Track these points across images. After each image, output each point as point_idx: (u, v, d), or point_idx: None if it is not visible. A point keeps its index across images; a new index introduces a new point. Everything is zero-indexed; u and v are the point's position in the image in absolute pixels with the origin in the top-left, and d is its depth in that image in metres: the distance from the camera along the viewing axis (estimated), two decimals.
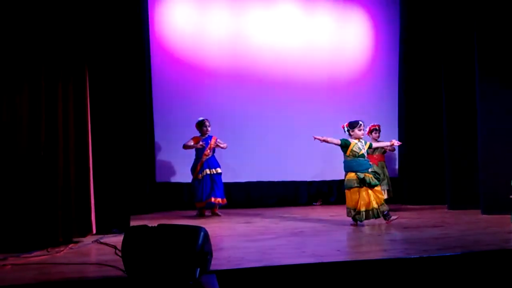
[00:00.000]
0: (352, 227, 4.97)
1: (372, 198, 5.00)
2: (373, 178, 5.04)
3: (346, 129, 5.20)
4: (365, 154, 5.15)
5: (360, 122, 5.17)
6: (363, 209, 4.96)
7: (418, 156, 7.38)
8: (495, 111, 5.89)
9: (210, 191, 6.10)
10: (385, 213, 5.08)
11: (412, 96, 7.56)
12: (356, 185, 5.00)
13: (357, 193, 4.99)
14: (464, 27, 6.47)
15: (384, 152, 6.73)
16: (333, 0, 7.87)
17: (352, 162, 5.07)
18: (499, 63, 5.89)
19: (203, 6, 7.37)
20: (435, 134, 7.21)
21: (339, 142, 5.11)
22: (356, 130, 5.13)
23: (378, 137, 6.51)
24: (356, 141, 5.12)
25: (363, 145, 5.14)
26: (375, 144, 5.64)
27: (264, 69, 7.50)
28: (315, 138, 5.03)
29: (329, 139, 5.07)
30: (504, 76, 5.89)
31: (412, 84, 7.57)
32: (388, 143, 5.67)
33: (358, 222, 5.03)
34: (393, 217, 5.13)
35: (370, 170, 5.13)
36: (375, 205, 5.00)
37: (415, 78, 7.55)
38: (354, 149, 5.07)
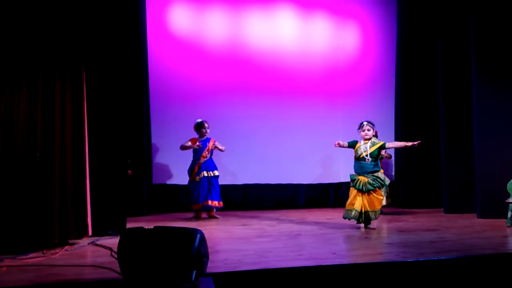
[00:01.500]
0: (349, 230, 4.97)
1: (357, 201, 4.97)
2: (367, 184, 4.97)
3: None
4: (366, 158, 5.04)
5: (363, 123, 5.16)
6: (346, 208, 5.05)
7: (414, 159, 7.39)
8: (492, 114, 5.91)
9: (207, 194, 6.08)
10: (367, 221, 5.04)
11: (408, 99, 7.58)
12: (351, 185, 5.10)
13: (351, 193, 5.08)
14: (461, 29, 6.49)
15: (381, 158, 6.71)
16: (331, 5, 7.90)
17: (354, 164, 5.17)
18: (497, 65, 5.91)
19: (201, 8, 7.39)
20: (431, 138, 7.22)
21: (347, 144, 5.21)
22: (360, 131, 5.19)
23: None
24: (362, 142, 5.13)
25: (366, 148, 5.08)
26: (388, 145, 5.26)
27: (262, 73, 7.53)
28: (335, 145, 5.18)
29: (341, 143, 5.19)
30: (501, 79, 5.91)
31: (408, 87, 7.60)
32: (402, 144, 5.26)
33: (358, 224, 5.08)
34: (371, 227, 5.04)
35: (371, 174, 5.01)
36: (358, 209, 4.96)
37: (412, 81, 7.57)
38: (357, 151, 5.13)
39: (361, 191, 4.98)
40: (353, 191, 5.05)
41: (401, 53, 7.72)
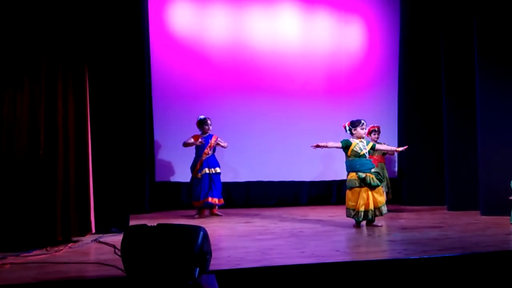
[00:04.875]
0: (353, 227, 4.94)
1: (371, 199, 4.96)
2: (375, 179, 4.97)
3: (347, 128, 5.15)
4: (367, 155, 5.08)
5: (363, 121, 5.12)
6: (361, 209, 4.91)
7: (418, 157, 7.37)
8: (496, 112, 5.89)
9: (207, 191, 6.07)
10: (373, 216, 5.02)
11: (411, 97, 7.56)
12: (357, 185, 4.96)
13: (358, 193, 4.95)
14: (464, 26, 6.47)
15: (384, 153, 6.72)
16: (333, 4, 7.89)
17: (353, 162, 5.04)
18: (500, 63, 5.89)
19: (203, 6, 7.39)
20: (435, 135, 7.21)
21: (340, 144, 5.07)
22: (358, 129, 5.08)
23: (378, 138, 6.49)
24: (358, 141, 5.08)
25: (364, 146, 5.09)
26: (378, 146, 5.51)
27: (265, 71, 7.52)
28: (314, 147, 5.03)
29: (329, 144, 5.05)
30: (505, 77, 5.89)
31: (412, 85, 7.57)
32: (392, 148, 5.67)
33: (361, 224, 4.99)
34: (377, 224, 5.04)
35: (372, 170, 5.05)
36: (372, 207, 4.95)
37: (415, 79, 7.55)
38: (355, 149, 5.03)
39: (372, 187, 4.95)
40: (362, 191, 4.93)
41: (404, 50, 7.70)
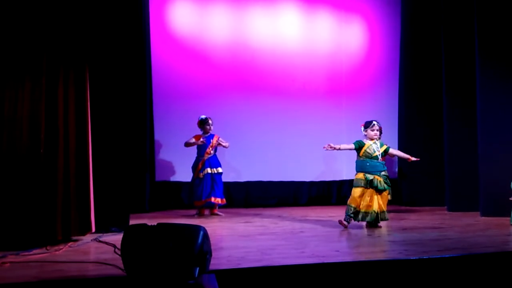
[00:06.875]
0: (345, 224, 4.86)
1: (374, 202, 4.88)
2: (382, 183, 4.90)
3: (363, 128, 5.11)
4: (379, 157, 5.01)
5: (374, 122, 5.05)
6: (363, 210, 4.87)
7: (418, 157, 7.33)
8: (496, 113, 5.89)
9: (210, 191, 6.09)
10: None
11: (412, 97, 7.57)
12: (362, 185, 4.90)
13: (362, 193, 4.89)
14: (465, 26, 6.47)
15: (385, 154, 6.70)
16: (333, 4, 7.89)
17: (364, 162, 4.98)
18: (501, 64, 5.88)
19: (204, 6, 7.40)
20: (435, 135, 7.21)
21: (352, 146, 5.02)
22: (369, 130, 5.04)
23: (379, 139, 6.45)
24: (371, 142, 5.02)
25: (378, 147, 5.03)
26: (392, 151, 5.32)
27: (266, 71, 7.53)
28: (326, 148, 4.97)
29: (341, 146, 5.01)
30: (506, 77, 5.89)
31: (412, 85, 7.58)
32: (405, 155, 5.39)
33: (347, 224, 4.89)
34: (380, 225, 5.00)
35: (382, 173, 4.96)
36: (376, 209, 4.88)
37: (415, 80, 7.56)
38: (367, 150, 4.98)
39: (378, 190, 4.90)
40: (366, 192, 4.88)
41: (405, 50, 7.70)
